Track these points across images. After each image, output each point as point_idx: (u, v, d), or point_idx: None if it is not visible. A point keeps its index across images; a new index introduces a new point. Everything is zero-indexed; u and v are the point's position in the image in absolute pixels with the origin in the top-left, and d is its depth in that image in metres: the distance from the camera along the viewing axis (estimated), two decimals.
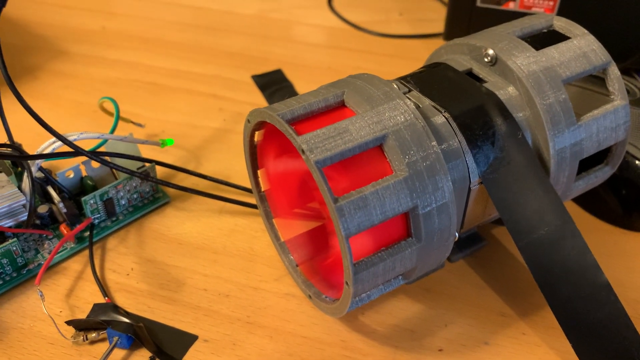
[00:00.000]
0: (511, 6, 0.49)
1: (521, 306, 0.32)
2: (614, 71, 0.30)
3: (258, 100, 0.48)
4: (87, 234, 0.35)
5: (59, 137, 0.32)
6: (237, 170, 0.41)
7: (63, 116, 0.45)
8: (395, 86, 0.27)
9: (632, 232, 0.37)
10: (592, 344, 0.28)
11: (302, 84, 0.49)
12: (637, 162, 0.36)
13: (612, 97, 0.31)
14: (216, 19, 0.58)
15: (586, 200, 0.38)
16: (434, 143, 0.26)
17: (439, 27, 0.56)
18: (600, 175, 0.32)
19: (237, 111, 0.46)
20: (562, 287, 0.28)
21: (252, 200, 0.38)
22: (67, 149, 0.33)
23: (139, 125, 0.43)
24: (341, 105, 0.27)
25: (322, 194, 0.24)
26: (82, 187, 0.37)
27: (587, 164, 0.32)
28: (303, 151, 0.24)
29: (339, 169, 0.26)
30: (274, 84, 0.49)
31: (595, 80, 0.38)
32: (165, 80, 0.49)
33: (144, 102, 0.47)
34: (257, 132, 0.31)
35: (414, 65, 0.51)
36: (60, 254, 0.34)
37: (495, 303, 0.32)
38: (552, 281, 0.28)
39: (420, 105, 0.28)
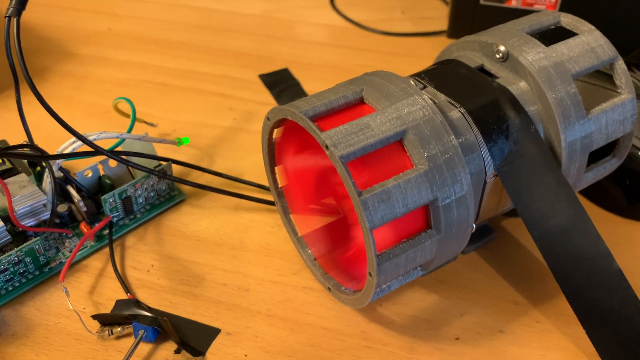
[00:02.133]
0: (514, 3, 0.50)
1: (534, 295, 0.33)
2: (620, 65, 0.31)
3: (266, 98, 0.49)
4: (106, 232, 0.36)
5: (80, 137, 0.33)
6: (250, 167, 0.41)
7: (76, 117, 0.46)
8: (412, 82, 0.28)
9: (638, 222, 0.38)
10: (605, 330, 0.28)
11: (309, 82, 0.50)
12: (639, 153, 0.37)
13: (619, 90, 0.32)
14: (222, 20, 0.59)
15: (593, 192, 0.39)
16: (452, 137, 0.26)
17: (441, 24, 0.57)
18: (608, 166, 0.33)
19: (247, 110, 0.47)
20: (576, 274, 0.28)
21: (267, 196, 0.38)
22: (86, 148, 0.34)
23: (152, 124, 0.43)
24: (360, 102, 0.28)
25: (347, 188, 0.25)
26: (100, 186, 0.37)
27: (594, 156, 0.33)
28: (327, 147, 0.25)
29: (360, 163, 0.26)
30: (281, 83, 0.50)
31: (599, 74, 0.39)
32: (175, 80, 0.50)
33: (154, 102, 0.48)
34: (275, 130, 0.31)
35: (419, 62, 0.52)
36: (81, 252, 0.35)
37: (508, 292, 0.33)
38: (565, 269, 0.29)
39: (436, 101, 0.29)
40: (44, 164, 0.35)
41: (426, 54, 0.54)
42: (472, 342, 0.31)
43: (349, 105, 0.28)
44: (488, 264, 0.35)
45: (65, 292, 0.31)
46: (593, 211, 0.39)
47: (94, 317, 0.31)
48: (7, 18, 0.32)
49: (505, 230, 0.37)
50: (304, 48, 0.55)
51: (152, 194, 0.38)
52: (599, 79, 0.38)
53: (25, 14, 0.62)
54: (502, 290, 0.33)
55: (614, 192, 0.38)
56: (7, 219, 0.33)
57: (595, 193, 0.39)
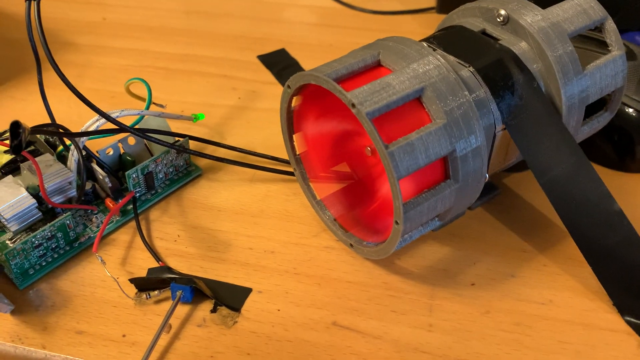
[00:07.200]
0: None
1: (538, 243, 0.36)
2: (610, 25, 0.34)
3: (267, 78, 0.50)
4: (129, 207, 0.37)
5: (104, 115, 0.34)
6: (260, 142, 0.43)
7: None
8: (425, 44, 0.30)
9: (626, 174, 0.41)
10: (610, 266, 0.31)
11: (307, 61, 0.52)
12: (627, 109, 0.40)
13: (610, 48, 0.34)
14: (213, 5, 0.60)
15: (585, 148, 0.41)
16: (466, 92, 0.29)
17: (429, 1, 0.59)
18: (601, 120, 0.36)
19: (250, 89, 0.49)
20: (581, 216, 0.31)
21: (282, 167, 0.40)
22: (109, 126, 0.35)
23: (161, 106, 0.45)
24: (377, 64, 0.30)
25: (374, 143, 0.27)
26: (121, 163, 0.39)
27: (587, 113, 0.36)
28: (354, 105, 0.27)
29: (383, 120, 0.28)
30: (280, 62, 0.52)
31: (586, 40, 0.41)
32: (176, 64, 0.51)
33: (158, 86, 0.49)
34: (294, 98, 0.33)
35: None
36: (108, 226, 0.36)
37: (515, 241, 0.36)
38: (571, 212, 0.31)
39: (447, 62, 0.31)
40: (68, 142, 0.37)
41: (416, 31, 0.56)
42: (487, 287, 0.33)
43: (367, 68, 0.30)
44: (494, 218, 0.37)
45: (101, 261, 0.33)
46: None
47: (131, 280, 0.32)
48: (27, 2, 0.33)
49: (507, 187, 0.39)
50: (297, 29, 0.57)
51: (171, 170, 0.39)
52: (587, 44, 0.41)
53: (16, 7, 0.63)
54: (510, 239, 0.36)
55: (604, 148, 0.41)
56: (36, 197, 0.35)
57: (588, 149, 0.42)
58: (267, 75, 0.51)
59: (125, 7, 0.60)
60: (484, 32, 0.33)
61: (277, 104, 0.35)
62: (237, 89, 0.49)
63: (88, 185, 0.37)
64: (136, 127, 0.38)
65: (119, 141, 0.38)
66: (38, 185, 0.33)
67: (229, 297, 0.33)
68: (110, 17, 0.58)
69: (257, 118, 0.46)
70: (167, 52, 0.53)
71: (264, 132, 0.44)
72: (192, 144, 0.41)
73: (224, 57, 0.53)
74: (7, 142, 0.35)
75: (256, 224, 0.37)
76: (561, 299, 0.33)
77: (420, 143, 0.27)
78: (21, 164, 0.36)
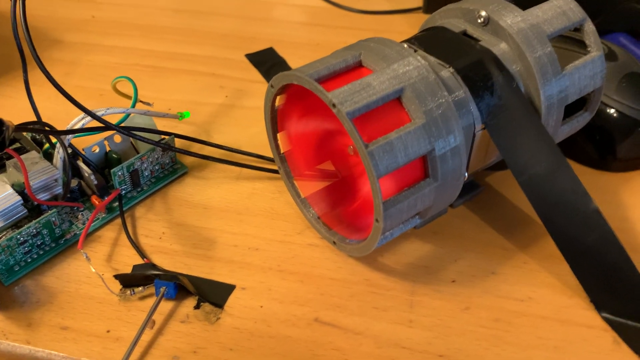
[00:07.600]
0: None
1: (519, 240, 0.36)
2: (589, 26, 0.35)
3: (255, 76, 0.51)
4: (115, 204, 0.38)
5: (90, 113, 0.35)
6: (246, 140, 0.43)
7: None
8: (405, 46, 0.30)
9: (607, 172, 0.41)
10: (587, 263, 0.32)
11: (294, 60, 0.52)
12: (608, 110, 0.40)
13: (589, 49, 0.35)
14: (204, 3, 0.60)
15: (567, 148, 0.42)
16: (445, 93, 0.29)
17: (417, 1, 0.60)
18: (581, 120, 0.37)
19: (237, 87, 0.49)
20: (559, 215, 0.32)
21: (267, 165, 0.41)
22: (95, 124, 0.35)
23: (147, 104, 0.45)
24: (359, 65, 0.31)
25: (354, 142, 0.27)
26: (107, 161, 0.39)
27: (568, 112, 0.36)
28: (334, 105, 0.28)
29: (363, 120, 0.29)
30: (268, 61, 0.52)
31: (567, 40, 0.42)
32: (164, 62, 0.52)
33: (146, 84, 0.49)
34: (277, 97, 0.34)
35: (397, 38, 0.54)
36: (93, 223, 0.37)
37: (496, 239, 0.36)
38: (549, 211, 0.32)
39: (428, 63, 0.32)
40: (54, 140, 0.37)
41: (403, 30, 0.56)
42: (468, 284, 0.34)
43: (348, 69, 0.30)
44: (476, 215, 0.38)
45: (86, 257, 0.33)
46: None
47: (116, 277, 0.33)
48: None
49: (489, 186, 0.40)
50: (286, 28, 0.57)
51: (156, 167, 0.39)
52: (568, 44, 0.41)
53: (5, 3, 0.63)
54: (491, 237, 0.36)
55: (586, 147, 0.42)
56: (22, 194, 0.35)
57: (569, 148, 0.43)
58: (255, 74, 0.51)
59: (115, 5, 0.60)
60: (464, 33, 0.34)
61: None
62: (224, 87, 0.49)
63: (74, 183, 0.37)
64: (122, 125, 0.39)
65: (105, 139, 0.38)
66: (23, 183, 0.34)
67: (213, 294, 0.33)
68: (99, 15, 0.59)
69: (244, 116, 0.46)
70: (156, 50, 0.53)
71: (251, 131, 0.44)
72: (179, 142, 0.42)
73: (213, 55, 0.53)
74: None
75: (241, 222, 0.37)
76: (540, 295, 0.33)
77: (400, 142, 0.28)
78: (7, 162, 0.36)
